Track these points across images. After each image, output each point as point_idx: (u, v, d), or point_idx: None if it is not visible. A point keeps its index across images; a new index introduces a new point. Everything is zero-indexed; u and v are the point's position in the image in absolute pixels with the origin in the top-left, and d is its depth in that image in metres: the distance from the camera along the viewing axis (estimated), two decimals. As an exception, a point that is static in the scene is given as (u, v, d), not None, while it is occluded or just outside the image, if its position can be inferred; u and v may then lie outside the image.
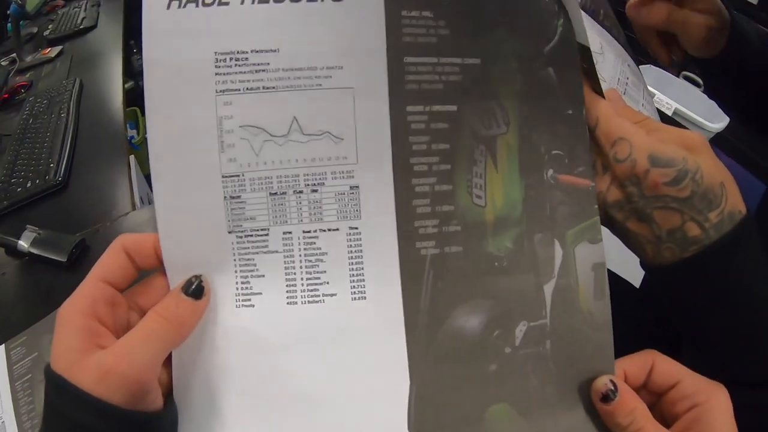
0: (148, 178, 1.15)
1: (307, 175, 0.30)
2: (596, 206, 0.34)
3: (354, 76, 0.30)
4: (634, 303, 0.71)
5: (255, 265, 0.30)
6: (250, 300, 0.31)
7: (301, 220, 0.31)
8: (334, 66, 0.30)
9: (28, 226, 0.83)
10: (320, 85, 0.30)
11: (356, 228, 0.31)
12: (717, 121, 1.84)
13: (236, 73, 0.29)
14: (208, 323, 0.30)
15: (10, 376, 0.64)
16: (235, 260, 0.30)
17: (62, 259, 0.77)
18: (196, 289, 0.29)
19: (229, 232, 0.30)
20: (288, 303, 0.31)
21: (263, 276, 0.31)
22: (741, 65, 0.59)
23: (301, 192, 0.30)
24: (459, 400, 0.32)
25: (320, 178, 0.30)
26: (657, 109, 0.66)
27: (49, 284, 0.76)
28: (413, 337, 0.31)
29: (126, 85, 1.37)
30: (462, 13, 0.32)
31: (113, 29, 1.73)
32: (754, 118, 0.68)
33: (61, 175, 0.98)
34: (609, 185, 0.35)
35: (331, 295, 0.31)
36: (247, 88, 0.29)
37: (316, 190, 0.30)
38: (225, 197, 0.30)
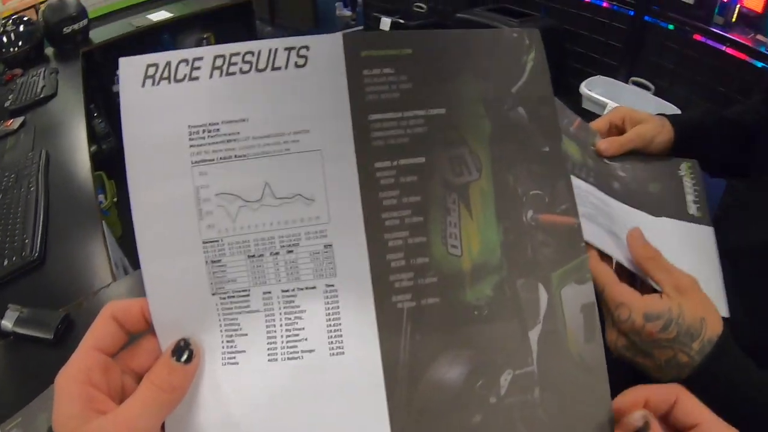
0: (119, 241, 1.17)
1: (282, 236, 0.31)
2: (583, 244, 0.33)
3: (321, 138, 0.31)
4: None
5: (238, 324, 0.31)
6: (235, 358, 0.31)
7: (279, 280, 0.31)
8: (301, 130, 0.31)
9: (9, 305, 0.82)
10: (288, 150, 0.31)
11: (332, 285, 0.31)
12: None
13: (209, 143, 0.30)
14: (198, 382, 0.31)
15: (8, 462, 0.64)
16: (220, 320, 0.31)
17: (49, 336, 0.77)
18: (187, 354, 0.30)
19: (213, 294, 0.31)
20: (269, 360, 0.31)
21: (246, 335, 0.31)
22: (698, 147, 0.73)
23: (277, 253, 0.31)
24: None
25: (295, 239, 0.31)
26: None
27: (37, 363, 0.76)
28: (393, 391, 0.31)
29: (90, 149, 1.39)
30: (423, 64, 0.32)
31: (73, 95, 1.75)
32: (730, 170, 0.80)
33: (37, 250, 0.98)
34: (617, 335, 0.46)
35: (310, 351, 0.31)
36: (221, 158, 0.30)
37: (291, 251, 0.31)
38: (207, 261, 0.31)
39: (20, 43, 2.05)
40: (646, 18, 2.41)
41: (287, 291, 0.31)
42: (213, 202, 0.31)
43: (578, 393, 0.32)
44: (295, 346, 0.31)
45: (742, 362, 0.45)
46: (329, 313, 0.31)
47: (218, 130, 0.30)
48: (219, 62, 0.31)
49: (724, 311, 0.56)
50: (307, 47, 0.31)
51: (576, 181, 0.51)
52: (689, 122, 0.75)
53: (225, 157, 0.30)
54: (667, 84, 2.40)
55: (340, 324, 0.31)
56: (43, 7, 2.20)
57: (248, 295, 0.31)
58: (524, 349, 0.32)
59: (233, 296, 0.31)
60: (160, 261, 0.31)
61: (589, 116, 1.43)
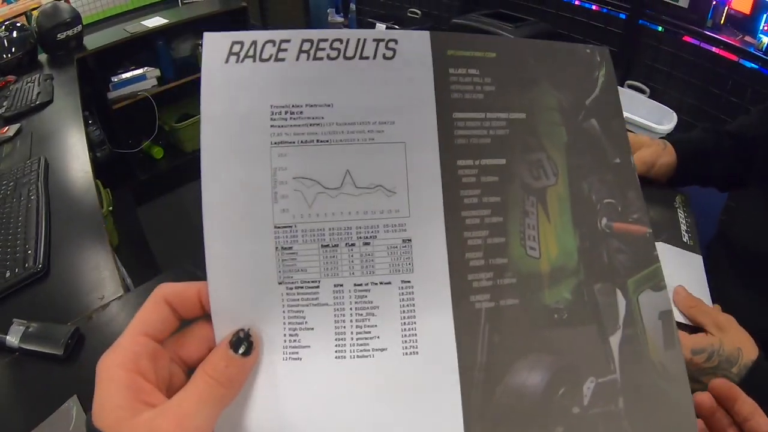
0: (116, 251, 1.13)
1: (360, 227, 0.30)
2: (656, 253, 0.34)
3: (405, 131, 0.31)
4: None
5: (304, 317, 0.30)
6: (297, 353, 0.30)
7: (353, 273, 0.30)
8: (386, 121, 0.31)
9: (14, 319, 0.79)
10: (372, 139, 0.30)
11: (409, 282, 0.30)
12: (665, 123, 2.02)
13: (291, 125, 0.30)
14: (255, 377, 0.29)
15: (21, 486, 0.60)
16: (284, 312, 0.30)
17: (58, 352, 0.74)
18: (246, 346, 0.28)
19: (280, 283, 0.30)
20: (336, 357, 0.30)
21: (312, 329, 0.30)
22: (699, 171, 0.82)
23: (353, 245, 0.30)
24: None
25: (373, 231, 0.30)
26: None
27: (46, 381, 0.72)
28: (469, 396, 0.30)
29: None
30: (506, 69, 0.33)
31: (70, 101, 1.71)
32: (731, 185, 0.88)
33: (41, 261, 0.94)
34: None
35: (382, 349, 0.30)
36: (302, 141, 0.30)
37: (368, 243, 0.30)
38: (277, 248, 0.30)
39: (13, 50, 2.02)
40: (641, 21, 2.42)
41: (360, 285, 0.30)
42: (290, 185, 0.30)
43: (662, 403, 0.31)
44: (366, 344, 0.30)
45: None
46: (404, 311, 0.30)
47: (301, 113, 0.30)
48: (306, 46, 0.30)
49: None
50: (395, 41, 0.31)
51: None
52: (690, 143, 0.82)
53: (306, 140, 0.30)
54: (661, 87, 2.42)
55: (414, 322, 0.30)
56: (36, 13, 2.16)
57: (318, 287, 0.30)
58: (606, 355, 0.31)
59: (301, 287, 0.30)
60: (226, 243, 0.29)
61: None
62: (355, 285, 0.30)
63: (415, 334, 0.30)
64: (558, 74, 0.34)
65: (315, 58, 0.30)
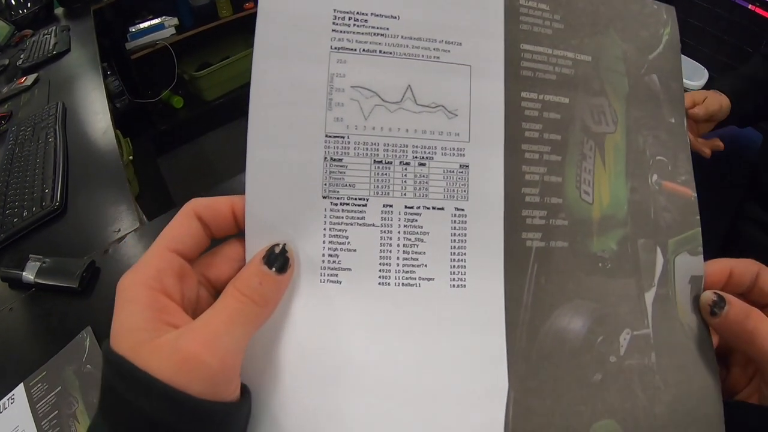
0: (137, 199, 1.09)
1: (416, 147, 0.29)
2: (698, 217, 0.33)
3: (472, 53, 0.30)
4: None
5: (347, 237, 0.28)
6: (337, 275, 0.28)
7: (405, 194, 0.29)
8: (453, 41, 0.29)
9: (30, 255, 0.77)
10: (438, 57, 0.29)
11: (462, 210, 0.29)
12: (696, 79, 2.01)
13: (354, 32, 0.28)
14: (290, 298, 0.27)
15: (34, 415, 0.58)
16: (325, 229, 0.28)
17: (74, 285, 0.71)
18: (280, 262, 0.26)
19: (324, 197, 0.28)
20: (380, 284, 0.28)
21: (355, 250, 0.28)
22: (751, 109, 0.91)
23: (408, 164, 0.29)
24: (561, 411, 0.29)
25: (430, 152, 0.29)
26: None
27: (62, 314, 0.70)
28: (514, 335, 0.29)
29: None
30: (576, 10, 0.32)
31: (88, 50, 1.67)
32: None
33: (58, 199, 0.92)
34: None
35: (429, 279, 0.28)
36: (364, 50, 0.28)
37: (423, 164, 0.29)
38: (325, 158, 0.28)
39: (29, 5, 1.98)
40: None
41: (411, 208, 0.29)
42: (346, 93, 0.28)
43: (690, 363, 0.31)
44: (413, 272, 0.28)
45: None
46: (455, 240, 0.29)
47: (366, 21, 0.29)
48: None
49: None
50: None
51: None
52: (735, 86, 0.90)
53: (369, 50, 0.29)
54: (693, 42, 2.31)
55: (465, 254, 0.29)
56: (51, -35, 2.11)
57: (365, 205, 0.28)
58: (641, 309, 0.31)
59: (347, 203, 0.28)
60: (270, 149, 0.27)
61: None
62: (406, 207, 0.29)
63: (465, 266, 0.29)
64: (626, 24, 0.34)
65: None
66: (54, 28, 1.85)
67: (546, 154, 0.31)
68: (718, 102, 0.86)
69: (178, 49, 2.37)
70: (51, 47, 1.67)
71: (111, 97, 1.75)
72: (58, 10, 2.12)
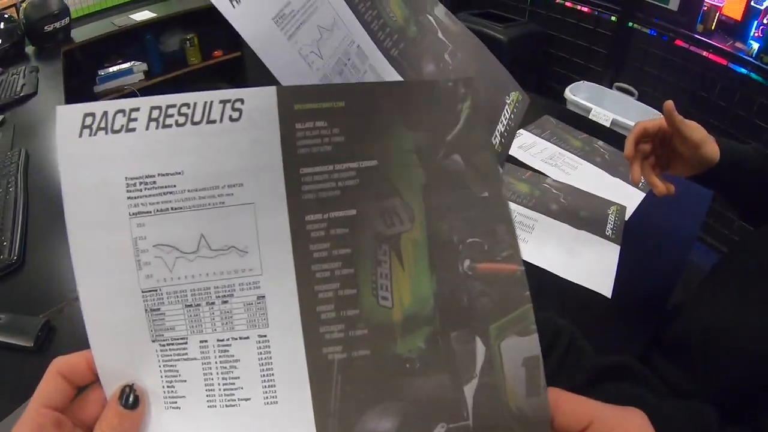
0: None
1: (218, 287, 0.32)
2: (527, 293, 0.32)
3: (254, 191, 0.32)
4: (606, 310, 0.84)
5: (177, 370, 0.32)
6: (176, 402, 0.32)
7: (215, 329, 0.32)
8: (235, 184, 0.31)
9: (-14, 311, 0.80)
10: (223, 203, 0.31)
11: (265, 336, 0.32)
12: None
13: (146, 196, 0.31)
14: (145, 427, 0.32)
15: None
16: (160, 366, 0.32)
17: (29, 344, 0.74)
18: (131, 398, 0.31)
19: (153, 341, 0.32)
20: (209, 406, 0.32)
21: (185, 381, 0.32)
22: (734, 181, 0.81)
23: (213, 303, 0.32)
24: None
25: (229, 290, 0.32)
26: (595, 121, 0.87)
27: (17, 372, 0.73)
28: None
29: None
30: (356, 117, 0.33)
31: (54, 95, 1.70)
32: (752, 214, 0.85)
33: (16, 253, 0.94)
34: None
35: (246, 399, 0.32)
36: (157, 210, 0.31)
37: (226, 301, 0.32)
38: (146, 310, 0.32)
39: (0, 41, 1.99)
40: (630, 24, 2.44)
41: (222, 340, 0.32)
42: (151, 252, 0.31)
43: None
44: (232, 394, 0.32)
45: None
46: (262, 363, 0.32)
47: (155, 182, 0.31)
48: (155, 114, 0.31)
49: (608, 292, 0.85)
50: (242, 100, 0.32)
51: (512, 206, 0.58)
52: (735, 150, 0.80)
53: (161, 209, 0.31)
54: (650, 89, 2.43)
55: (272, 374, 0.32)
56: (24, 4, 2.14)
57: (186, 343, 0.32)
58: (458, 402, 0.31)
59: (172, 344, 0.32)
60: (102, 311, 0.31)
61: (575, 120, 1.44)
62: (218, 340, 0.32)
63: (274, 385, 0.32)
64: (413, 114, 0.34)
65: (164, 126, 0.31)
66: (23, 68, 1.87)
67: (337, 270, 0.32)
68: (702, 132, 0.77)
69: (146, 94, 2.37)
70: (19, 89, 1.70)
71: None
72: (29, 49, 2.15)
